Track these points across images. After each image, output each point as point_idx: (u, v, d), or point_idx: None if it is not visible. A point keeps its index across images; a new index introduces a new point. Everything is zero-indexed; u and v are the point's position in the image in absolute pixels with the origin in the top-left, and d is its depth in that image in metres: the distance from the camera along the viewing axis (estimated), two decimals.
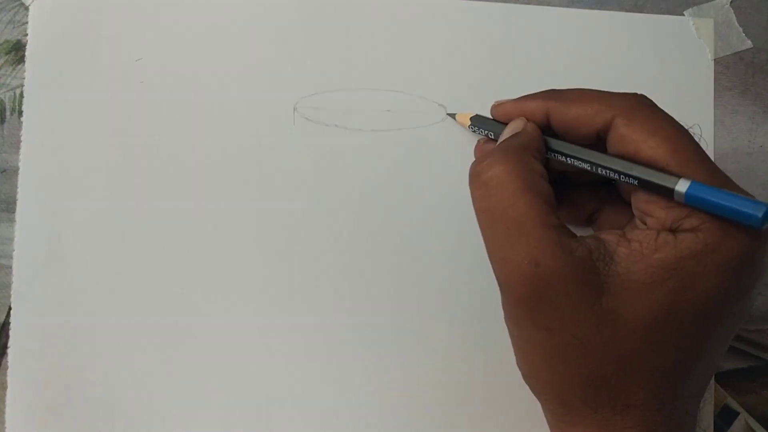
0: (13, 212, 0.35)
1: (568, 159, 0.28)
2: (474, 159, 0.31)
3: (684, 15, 0.38)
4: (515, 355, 0.27)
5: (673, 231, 0.24)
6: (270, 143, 0.36)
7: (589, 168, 0.27)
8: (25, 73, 0.36)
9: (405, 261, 0.35)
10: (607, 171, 0.26)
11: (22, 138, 0.35)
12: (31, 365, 0.34)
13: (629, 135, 0.25)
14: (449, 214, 0.36)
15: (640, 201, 0.26)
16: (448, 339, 0.35)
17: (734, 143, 0.38)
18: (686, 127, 0.26)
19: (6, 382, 0.34)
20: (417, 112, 0.36)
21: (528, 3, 0.38)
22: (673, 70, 0.38)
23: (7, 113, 0.36)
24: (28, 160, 0.35)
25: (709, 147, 0.37)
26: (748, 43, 0.38)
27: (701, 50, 0.38)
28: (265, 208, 0.35)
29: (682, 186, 0.23)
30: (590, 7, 0.38)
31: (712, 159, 0.37)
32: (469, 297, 0.35)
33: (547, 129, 0.29)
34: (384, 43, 0.37)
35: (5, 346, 0.34)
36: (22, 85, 0.36)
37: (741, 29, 0.38)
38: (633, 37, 0.38)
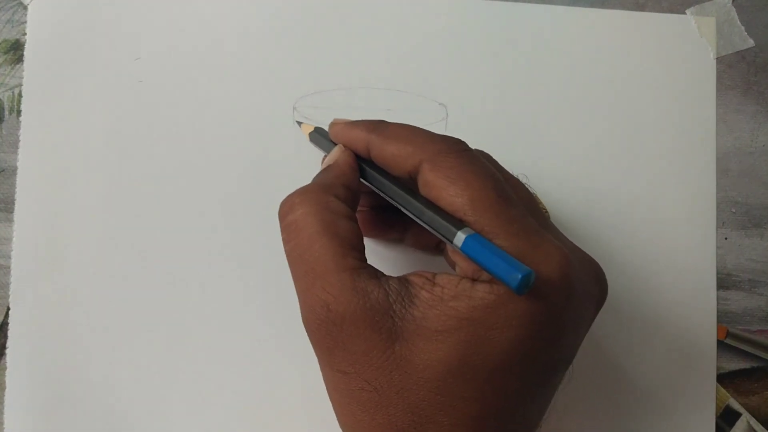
0: (11, 212, 0.35)
1: (378, 192, 0.27)
2: None
3: (686, 14, 0.38)
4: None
5: (473, 281, 0.23)
6: (269, 142, 0.36)
7: (395, 205, 0.27)
8: (24, 73, 0.35)
9: (405, 260, 0.35)
10: (407, 211, 0.26)
11: (20, 138, 0.35)
12: (30, 365, 0.34)
13: (432, 181, 0.24)
14: None
15: (450, 249, 0.25)
16: None
17: (736, 142, 0.37)
18: (516, 174, 0.25)
19: (4, 382, 0.34)
20: (417, 111, 0.36)
21: (529, 1, 0.37)
22: (674, 68, 0.37)
23: (6, 113, 0.36)
24: (26, 160, 0.35)
25: (711, 147, 0.37)
26: (750, 42, 0.38)
27: (703, 49, 0.38)
28: (264, 207, 0.35)
29: (458, 240, 0.23)
30: (592, 6, 0.38)
31: (714, 158, 0.37)
32: None
33: (368, 158, 0.28)
34: (384, 42, 0.36)
35: (4, 347, 0.34)
36: (20, 85, 0.35)
37: (743, 28, 0.38)
38: (635, 35, 0.37)
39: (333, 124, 0.30)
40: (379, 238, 0.34)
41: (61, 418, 0.34)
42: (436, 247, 0.32)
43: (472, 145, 0.35)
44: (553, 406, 0.34)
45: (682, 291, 0.36)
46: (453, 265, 0.26)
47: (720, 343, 0.36)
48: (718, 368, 0.36)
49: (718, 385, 0.36)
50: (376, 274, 0.24)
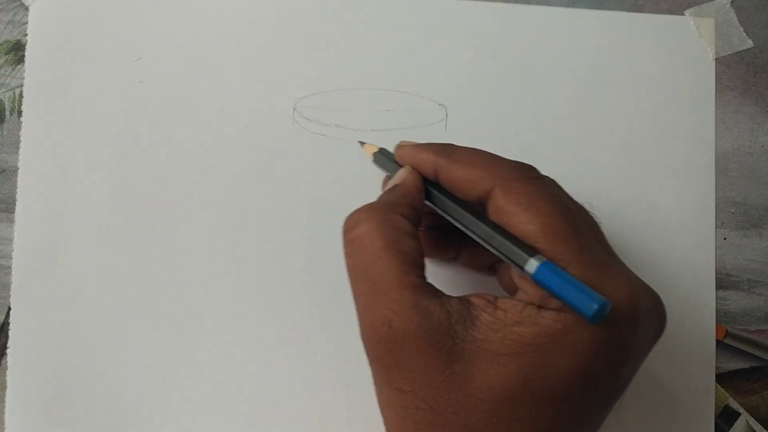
0: (13, 212, 0.35)
1: (444, 214, 0.27)
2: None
3: (685, 15, 0.38)
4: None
5: (539, 308, 0.23)
6: (269, 143, 0.36)
7: (461, 228, 0.27)
8: (25, 74, 0.36)
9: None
10: (474, 235, 0.26)
11: (21, 138, 0.35)
12: (31, 365, 0.34)
13: (504, 207, 0.25)
14: None
15: (515, 274, 0.25)
16: None
17: (735, 143, 0.37)
18: (581, 202, 0.25)
19: (5, 382, 0.34)
20: (417, 111, 0.36)
21: (528, 3, 0.37)
22: (673, 69, 0.37)
23: (7, 113, 0.36)
24: (27, 160, 0.35)
25: (710, 147, 0.37)
26: (749, 43, 0.38)
27: (702, 50, 0.38)
28: (265, 207, 0.35)
29: (530, 267, 0.23)
30: (590, 7, 0.38)
31: (713, 159, 0.37)
32: (466, 293, 0.35)
33: (435, 180, 0.28)
34: (384, 42, 0.37)
35: (5, 347, 0.34)
36: (21, 86, 0.36)
37: (742, 29, 0.38)
38: (633, 37, 0.38)
39: (400, 147, 0.30)
40: (434, 257, 0.34)
41: (62, 418, 0.34)
42: (490, 268, 0.32)
43: (472, 145, 0.35)
44: None
45: (681, 291, 0.36)
46: (510, 288, 0.26)
47: (719, 343, 0.36)
48: (717, 368, 0.36)
49: (717, 384, 0.36)
50: (437, 293, 0.24)
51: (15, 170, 0.35)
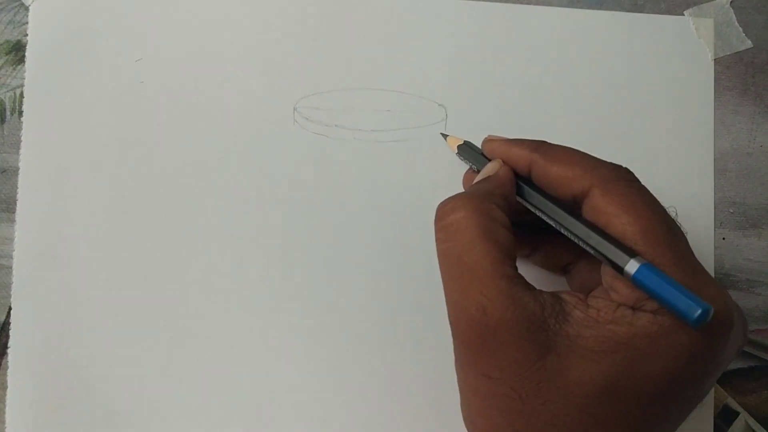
0: (13, 212, 0.35)
1: (535, 210, 0.28)
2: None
3: (684, 15, 0.38)
4: (460, 399, 0.27)
5: (633, 309, 0.24)
6: (270, 143, 0.36)
7: (553, 225, 0.27)
8: (25, 74, 0.36)
9: (404, 261, 0.35)
10: (569, 233, 0.26)
11: (22, 138, 0.35)
12: (31, 365, 0.34)
13: (603, 207, 0.25)
14: None
15: (607, 274, 0.25)
16: (445, 339, 0.35)
17: (734, 143, 0.38)
18: (665, 207, 0.26)
19: (6, 382, 0.34)
20: (417, 112, 0.36)
21: (528, 3, 0.38)
22: (673, 70, 0.38)
23: (7, 113, 0.36)
24: (28, 161, 0.35)
25: (709, 147, 0.37)
26: (748, 43, 0.38)
27: (701, 50, 0.38)
28: (265, 207, 0.35)
29: (631, 267, 0.23)
30: (590, 7, 0.38)
31: (712, 159, 0.37)
32: None
33: (525, 177, 0.28)
34: (384, 42, 0.37)
35: (5, 346, 0.34)
36: (22, 86, 0.36)
37: (741, 29, 0.38)
38: (633, 37, 0.38)
39: (489, 141, 0.30)
40: None
41: (63, 418, 0.34)
42: (563, 268, 0.32)
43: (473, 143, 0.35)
44: None
45: None
46: (582, 290, 0.26)
47: None
48: None
49: (717, 384, 0.36)
50: (529, 285, 0.25)
51: (16, 170, 0.35)
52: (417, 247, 0.35)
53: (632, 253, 0.23)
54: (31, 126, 0.35)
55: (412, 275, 0.35)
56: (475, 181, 0.29)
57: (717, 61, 0.38)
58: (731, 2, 0.38)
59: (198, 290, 0.35)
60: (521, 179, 0.28)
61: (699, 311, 0.21)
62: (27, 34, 0.36)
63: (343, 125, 0.36)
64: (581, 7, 0.38)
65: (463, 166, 0.34)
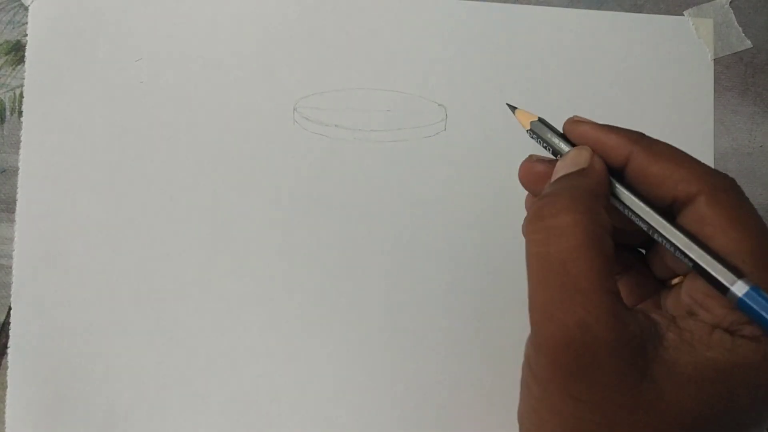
0: (13, 212, 0.35)
1: (628, 213, 0.25)
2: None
3: (684, 15, 0.38)
4: (523, 410, 0.25)
5: (730, 332, 0.22)
6: (270, 143, 0.36)
7: (645, 229, 0.24)
8: (25, 74, 0.36)
9: (404, 260, 0.35)
10: (664, 240, 0.23)
11: (21, 138, 0.35)
12: (31, 365, 0.34)
13: (711, 217, 0.22)
14: (448, 212, 0.36)
15: (697, 290, 0.23)
16: (444, 339, 0.35)
17: (734, 143, 0.38)
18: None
19: (6, 382, 0.34)
20: (417, 112, 0.36)
21: (528, 3, 0.38)
22: (672, 70, 0.38)
23: (7, 113, 0.36)
24: (27, 161, 0.35)
25: (709, 147, 0.37)
26: (748, 43, 0.38)
27: (701, 50, 0.38)
28: (264, 207, 0.35)
29: (738, 289, 0.21)
30: (590, 8, 0.38)
31: (712, 159, 0.37)
32: (464, 296, 0.35)
33: (615, 171, 0.25)
34: (384, 43, 0.37)
35: (5, 346, 0.34)
36: (21, 86, 0.36)
37: (740, 29, 0.38)
38: (633, 37, 0.38)
39: (577, 122, 0.26)
40: None
41: (63, 417, 0.34)
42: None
43: (472, 145, 0.35)
44: None
45: None
46: (694, 307, 0.24)
47: None
48: None
49: None
50: (626, 304, 0.23)
51: (15, 170, 0.35)
52: (417, 246, 0.35)
53: (740, 273, 0.21)
54: (31, 126, 0.35)
55: (413, 275, 0.35)
56: (561, 172, 0.25)
57: (717, 61, 0.38)
58: (731, 2, 0.38)
59: (197, 290, 0.35)
60: (613, 175, 0.25)
61: None
62: (26, 35, 0.36)
63: (343, 125, 0.36)
64: (581, 8, 0.38)
65: (468, 166, 0.33)
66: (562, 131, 0.27)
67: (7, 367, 0.34)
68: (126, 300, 0.35)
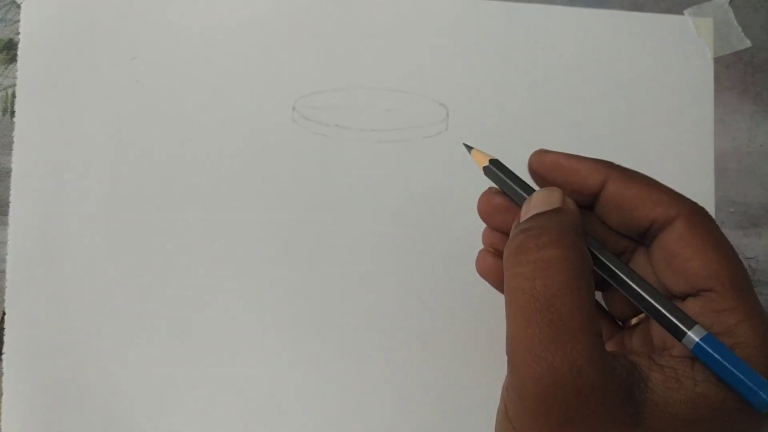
0: (6, 215, 0.34)
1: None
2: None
3: (684, 14, 0.38)
4: None
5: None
6: (269, 142, 0.35)
7: (602, 273, 0.24)
8: (18, 73, 0.35)
9: (405, 260, 0.35)
10: (621, 286, 0.23)
11: (14, 139, 0.34)
12: (27, 370, 0.33)
13: (690, 238, 0.22)
14: (449, 212, 0.35)
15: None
16: (446, 340, 0.35)
17: (734, 142, 0.38)
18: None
19: (2, 387, 0.33)
20: (418, 111, 0.36)
21: (529, 1, 0.37)
22: (672, 69, 0.38)
23: None
24: (20, 162, 0.34)
25: (709, 147, 0.37)
26: (748, 43, 0.38)
27: (701, 49, 0.38)
28: (264, 207, 0.35)
29: (688, 341, 0.21)
30: (590, 6, 0.38)
31: (712, 158, 0.37)
32: (466, 296, 0.35)
33: (585, 204, 0.25)
34: (384, 42, 0.36)
35: (0, 351, 0.34)
36: (14, 85, 0.35)
37: (740, 28, 0.38)
38: (633, 36, 0.38)
39: (546, 152, 0.26)
40: None
41: (59, 422, 0.33)
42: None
43: (474, 144, 0.34)
44: None
45: None
46: (664, 342, 0.24)
47: None
48: None
49: None
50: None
51: (8, 172, 0.34)
52: (418, 246, 0.35)
53: (691, 323, 0.21)
54: (24, 126, 0.35)
55: (413, 274, 0.35)
56: (533, 210, 0.24)
57: (716, 61, 0.38)
58: (730, 2, 0.38)
59: (194, 292, 0.34)
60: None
61: (764, 400, 0.20)
62: (19, 33, 0.35)
63: (343, 124, 0.36)
64: (582, 6, 0.38)
65: (466, 167, 0.33)
66: (514, 173, 0.26)
67: (2, 373, 0.33)
68: (122, 303, 0.34)
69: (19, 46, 0.35)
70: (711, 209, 0.37)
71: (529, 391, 0.20)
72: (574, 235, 0.22)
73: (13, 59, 0.35)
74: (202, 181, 0.35)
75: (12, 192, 0.34)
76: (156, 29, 0.36)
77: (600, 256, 0.24)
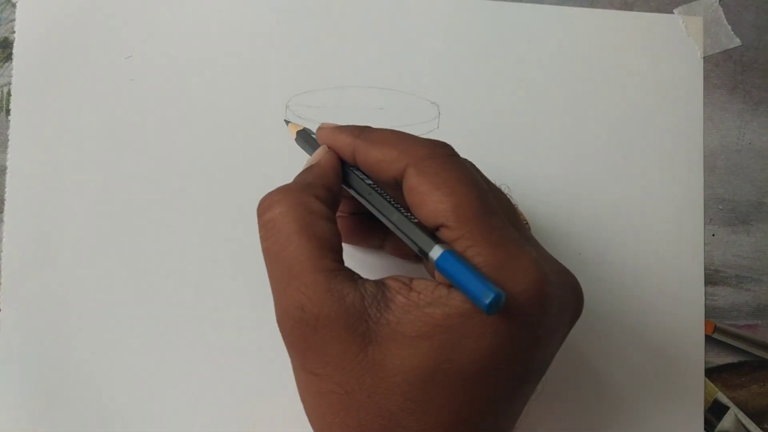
0: (1, 212, 0.34)
1: (360, 198, 0.27)
2: None
3: (673, 13, 0.38)
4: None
5: (450, 287, 0.23)
6: (261, 140, 0.36)
7: (374, 213, 0.26)
8: (13, 71, 0.35)
9: (384, 267, 0.35)
10: (387, 222, 0.26)
11: (9, 137, 0.35)
12: (21, 366, 0.34)
13: (417, 186, 0.24)
14: None
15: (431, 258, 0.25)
16: None
17: (723, 141, 0.38)
18: (500, 186, 0.25)
19: None
20: (409, 109, 0.36)
21: (519, 1, 0.38)
22: (662, 67, 0.38)
23: None
24: (15, 160, 0.35)
25: (698, 144, 0.38)
26: (737, 41, 0.38)
27: (690, 48, 0.38)
28: (256, 204, 0.35)
29: (434, 253, 0.23)
30: (580, 6, 0.38)
31: (701, 156, 0.37)
32: None
33: (353, 163, 0.28)
34: (376, 40, 0.37)
35: None
36: (9, 84, 0.35)
37: (730, 27, 0.38)
38: (623, 35, 0.38)
39: (320, 128, 0.29)
40: (360, 244, 0.34)
41: (53, 419, 0.33)
42: (416, 256, 0.32)
43: (465, 143, 0.35)
44: (527, 411, 0.34)
45: (670, 287, 0.36)
46: (433, 273, 0.26)
47: (708, 338, 0.37)
48: (706, 363, 0.36)
49: (707, 379, 0.36)
50: (352, 276, 0.24)
51: (3, 170, 0.35)
52: None
53: (437, 239, 0.23)
54: (19, 124, 0.35)
55: (409, 270, 0.35)
56: (301, 171, 0.28)
57: (706, 59, 0.38)
58: (720, 1, 0.39)
59: (189, 291, 0.35)
60: (350, 167, 0.28)
61: (491, 297, 0.21)
62: (14, 31, 0.35)
63: (335, 123, 0.36)
64: (571, 5, 0.38)
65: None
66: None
67: None
68: (117, 301, 0.34)
69: (14, 44, 0.35)
70: (700, 206, 0.37)
71: (281, 330, 0.25)
72: (299, 190, 0.25)
73: (8, 58, 0.35)
74: (195, 179, 0.35)
75: (7, 190, 0.34)
76: (150, 28, 0.36)
77: (361, 193, 0.27)
